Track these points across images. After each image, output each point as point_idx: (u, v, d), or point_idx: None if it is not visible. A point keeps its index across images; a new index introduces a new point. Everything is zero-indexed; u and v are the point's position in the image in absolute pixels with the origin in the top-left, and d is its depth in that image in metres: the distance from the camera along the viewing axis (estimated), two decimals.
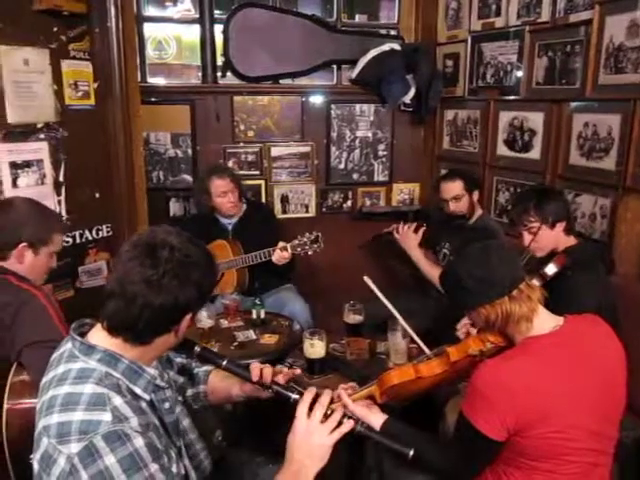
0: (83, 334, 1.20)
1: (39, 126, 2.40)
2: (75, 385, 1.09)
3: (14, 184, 2.32)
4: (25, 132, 2.35)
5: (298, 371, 1.58)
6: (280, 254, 2.72)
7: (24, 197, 1.99)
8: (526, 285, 1.42)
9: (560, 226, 2.07)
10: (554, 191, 2.19)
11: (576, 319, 1.46)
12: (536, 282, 1.65)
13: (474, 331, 1.73)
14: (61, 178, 2.51)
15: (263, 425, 2.07)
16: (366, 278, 2.15)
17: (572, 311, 1.49)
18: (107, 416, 1.05)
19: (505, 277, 1.41)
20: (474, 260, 1.44)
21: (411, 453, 1.35)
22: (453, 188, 2.86)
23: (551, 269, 1.92)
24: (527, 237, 2.09)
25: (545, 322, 1.43)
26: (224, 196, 2.99)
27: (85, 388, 1.08)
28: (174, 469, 1.17)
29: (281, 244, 2.72)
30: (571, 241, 2.10)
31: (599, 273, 2.01)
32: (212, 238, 2.99)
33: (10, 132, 2.28)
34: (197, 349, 1.42)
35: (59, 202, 2.50)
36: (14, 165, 2.31)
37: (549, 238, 2.07)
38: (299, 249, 2.71)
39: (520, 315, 1.39)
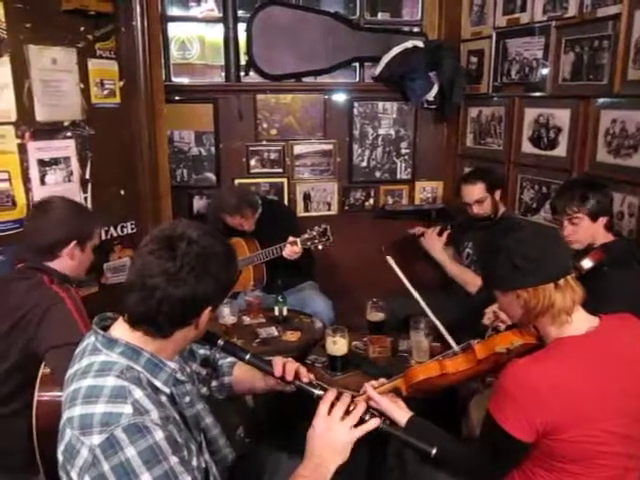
0: (105, 328, 1.22)
1: (66, 124, 2.43)
2: (97, 378, 1.11)
3: (42, 181, 2.35)
4: (53, 130, 2.38)
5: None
6: (290, 249, 2.71)
7: (59, 196, 2.03)
8: (572, 278, 1.38)
9: (602, 220, 2.04)
10: (601, 184, 2.13)
11: (611, 319, 1.41)
12: None
13: (502, 315, 1.69)
14: (87, 175, 2.55)
15: (285, 421, 2.07)
16: (389, 258, 2.11)
17: (604, 308, 1.45)
18: (128, 409, 1.06)
19: (557, 263, 1.37)
20: (529, 240, 1.39)
21: (434, 452, 1.34)
22: (475, 191, 2.82)
23: (587, 263, 1.88)
24: (568, 227, 2.06)
25: (581, 322, 1.39)
26: (241, 227, 3.02)
27: (107, 381, 1.10)
28: (194, 462, 1.18)
29: (291, 239, 2.71)
30: (609, 237, 2.07)
31: (635, 272, 1.97)
32: (230, 236, 3.00)
33: (38, 130, 2.31)
34: (220, 342, 1.42)
35: (85, 199, 2.53)
36: (42, 163, 2.35)
37: (589, 231, 2.04)
38: (309, 243, 2.69)
39: (561, 307, 1.35)
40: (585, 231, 2.05)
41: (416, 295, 2.02)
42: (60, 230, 1.85)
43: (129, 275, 1.16)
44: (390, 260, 2.09)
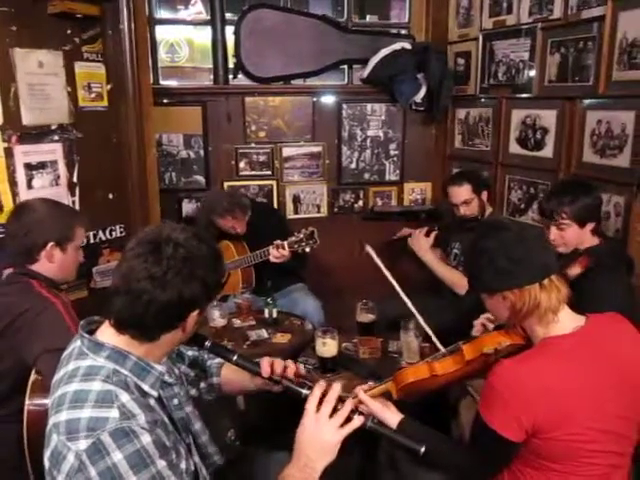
0: (92, 332, 1.21)
1: (53, 127, 2.42)
2: (83, 382, 1.10)
3: (29, 185, 2.34)
4: (40, 134, 2.37)
5: (302, 371, 1.55)
6: (275, 252, 2.70)
7: (38, 198, 2.01)
8: (557, 277, 1.39)
9: (589, 226, 2.04)
10: (591, 189, 2.12)
11: (597, 318, 1.42)
12: None
13: (491, 326, 1.71)
14: (75, 179, 2.54)
15: (276, 424, 2.07)
16: (368, 247, 2.07)
17: (593, 312, 1.45)
18: (114, 413, 1.05)
19: (541, 263, 1.37)
20: (512, 241, 1.39)
21: (422, 450, 1.33)
22: (461, 193, 2.84)
23: (574, 271, 1.88)
24: (555, 231, 2.06)
25: (567, 321, 1.39)
26: (233, 229, 3.01)
27: (93, 385, 1.09)
28: (183, 465, 1.18)
29: (277, 242, 2.70)
30: (595, 241, 2.07)
31: (622, 274, 1.98)
32: (219, 240, 3.00)
33: (25, 134, 2.30)
34: (207, 344, 1.41)
35: (73, 203, 2.52)
36: (29, 166, 2.33)
37: (576, 236, 2.04)
38: (295, 246, 2.67)
39: (547, 306, 1.36)
40: (572, 236, 2.04)
41: (395, 285, 2.00)
42: (34, 232, 1.80)
43: (114, 279, 1.16)
44: (369, 249, 2.05)
